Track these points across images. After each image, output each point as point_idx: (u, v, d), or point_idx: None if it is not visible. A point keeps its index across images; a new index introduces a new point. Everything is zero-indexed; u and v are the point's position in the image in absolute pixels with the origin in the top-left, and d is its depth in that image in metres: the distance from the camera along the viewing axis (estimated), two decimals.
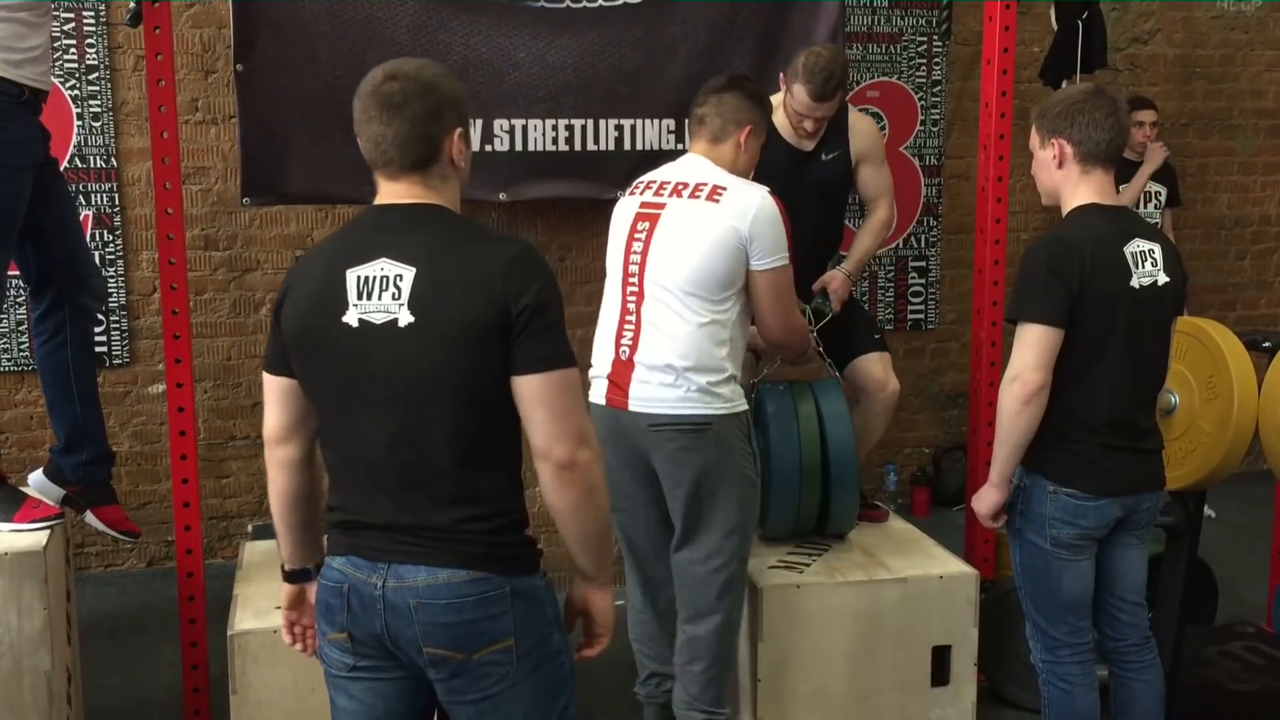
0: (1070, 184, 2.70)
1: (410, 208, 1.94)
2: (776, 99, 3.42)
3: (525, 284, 1.86)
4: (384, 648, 1.95)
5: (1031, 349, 2.61)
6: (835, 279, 3.65)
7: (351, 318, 1.90)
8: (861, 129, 3.65)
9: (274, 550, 3.44)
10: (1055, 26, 5.10)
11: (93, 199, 4.49)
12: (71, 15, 4.38)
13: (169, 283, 3.09)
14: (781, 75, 3.48)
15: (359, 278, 1.90)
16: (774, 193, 2.86)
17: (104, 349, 4.54)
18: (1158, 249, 2.70)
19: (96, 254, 4.49)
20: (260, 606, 3.03)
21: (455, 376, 1.88)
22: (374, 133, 1.92)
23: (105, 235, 4.52)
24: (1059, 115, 2.67)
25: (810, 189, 3.54)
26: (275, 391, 2.04)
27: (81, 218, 4.42)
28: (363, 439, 1.93)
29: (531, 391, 1.88)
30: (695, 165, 2.92)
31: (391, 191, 1.96)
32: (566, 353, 1.91)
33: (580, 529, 1.97)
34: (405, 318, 1.87)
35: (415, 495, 1.91)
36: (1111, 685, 2.91)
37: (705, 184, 2.86)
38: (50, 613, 2.81)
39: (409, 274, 1.88)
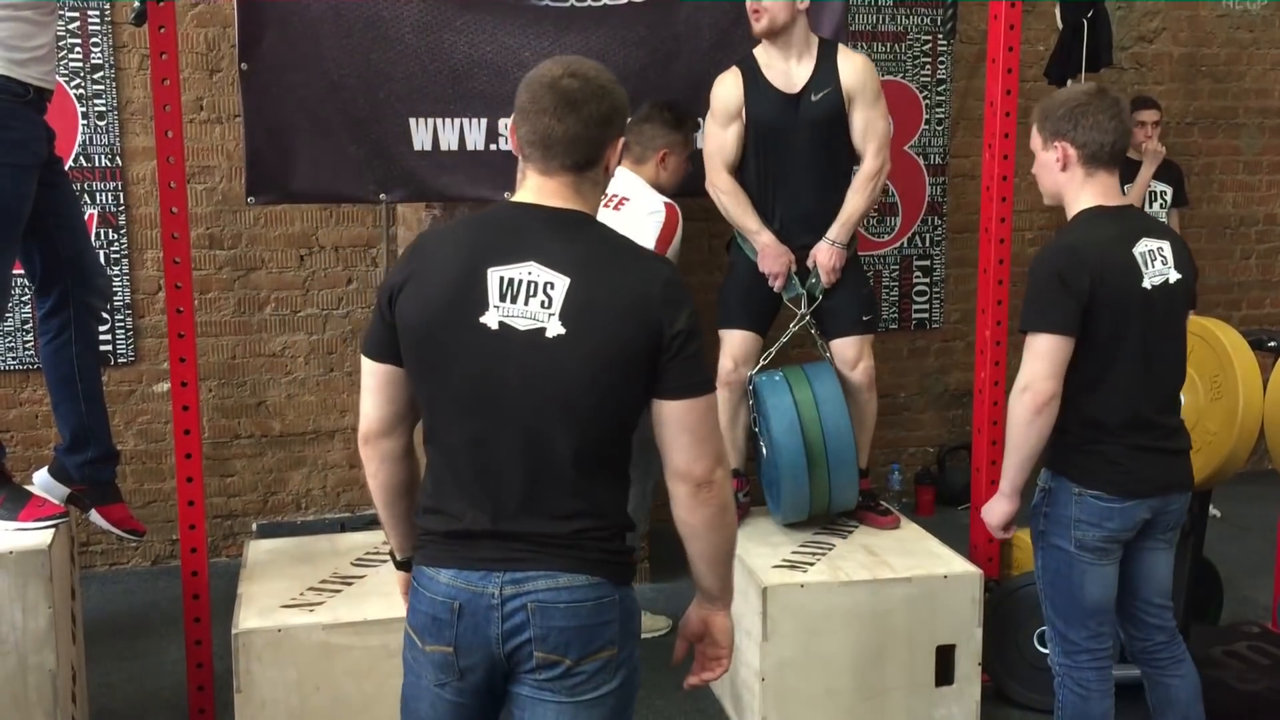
0: (1075, 186, 2.68)
1: (558, 212, 1.90)
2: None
3: (678, 309, 1.87)
4: (487, 660, 1.91)
5: (1042, 359, 2.60)
6: (821, 251, 3.57)
7: (491, 319, 1.85)
8: (852, 65, 3.55)
9: (278, 549, 3.48)
10: (1060, 25, 5.10)
11: (97, 198, 4.50)
12: (76, 14, 4.39)
13: (174, 281, 3.09)
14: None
15: (503, 278, 1.85)
16: (671, 204, 3.44)
17: (109, 348, 4.55)
18: (1167, 246, 2.69)
19: (101, 253, 4.49)
20: (265, 605, 3.03)
21: (599, 394, 1.86)
22: (544, 126, 1.87)
23: (110, 234, 4.53)
24: (1062, 118, 2.65)
25: (803, 132, 3.51)
26: (379, 379, 1.97)
27: (86, 217, 4.44)
28: (484, 445, 1.88)
29: (677, 415, 1.88)
30: (619, 177, 3.48)
31: (540, 188, 1.91)
32: (709, 378, 1.94)
33: (713, 547, 1.97)
34: (555, 329, 1.84)
35: (536, 505, 1.89)
36: (1146, 685, 2.90)
37: (615, 195, 3.62)
38: (55, 611, 2.82)
39: (561, 283, 1.84)
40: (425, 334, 1.88)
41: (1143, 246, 2.66)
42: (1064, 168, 2.67)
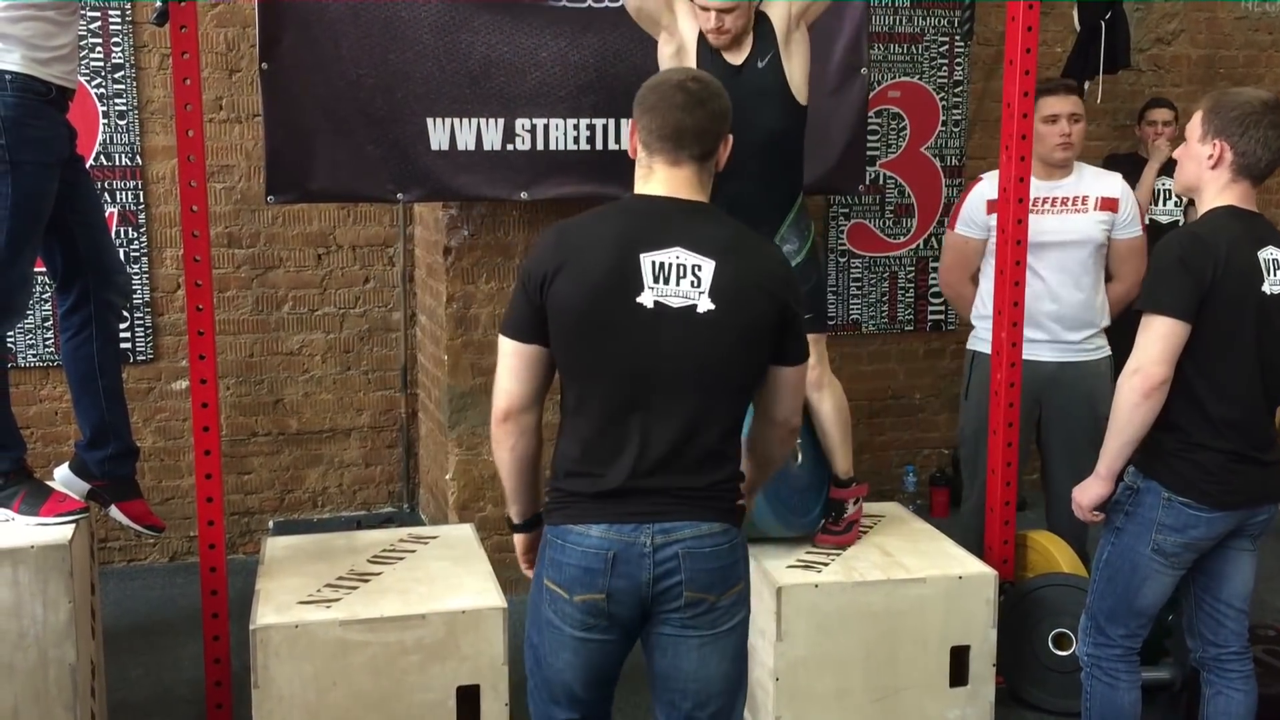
0: (1216, 186, 2.69)
1: (690, 204, 2.17)
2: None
3: (797, 289, 2.23)
4: (636, 604, 2.16)
5: (1157, 342, 2.60)
6: None
7: (647, 299, 2.10)
8: (777, 12, 3.31)
9: (295, 546, 3.50)
10: (1078, 27, 5.09)
11: (118, 196, 4.53)
12: (98, 14, 4.42)
13: (194, 279, 3.11)
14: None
15: (654, 263, 2.10)
16: None
17: (128, 345, 4.58)
18: None
19: (121, 251, 4.51)
20: (282, 601, 3.05)
21: (741, 361, 2.16)
22: (675, 119, 2.14)
23: (130, 232, 4.56)
24: (1233, 120, 2.65)
25: (756, 105, 3.19)
26: (523, 359, 2.18)
27: (106, 215, 4.47)
28: (637, 411, 2.12)
29: (790, 379, 2.24)
30: None
31: (669, 180, 2.17)
32: (808, 344, 2.29)
33: (777, 469, 2.47)
34: (705, 305, 2.10)
35: (683, 463, 2.15)
36: (1206, 694, 2.89)
37: None
38: (75, 606, 2.84)
39: (708, 265, 2.10)
40: (585, 313, 2.11)
41: (1267, 253, 2.67)
42: (1214, 166, 2.67)
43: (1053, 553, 3.72)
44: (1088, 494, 2.80)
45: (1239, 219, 2.68)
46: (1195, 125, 2.73)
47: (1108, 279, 3.91)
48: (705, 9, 3.17)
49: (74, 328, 3.10)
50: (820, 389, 3.40)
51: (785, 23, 3.29)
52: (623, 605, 2.16)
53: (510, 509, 2.36)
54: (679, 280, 2.10)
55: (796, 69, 3.29)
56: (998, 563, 3.55)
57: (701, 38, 3.24)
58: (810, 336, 3.36)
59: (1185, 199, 5.19)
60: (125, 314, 4.50)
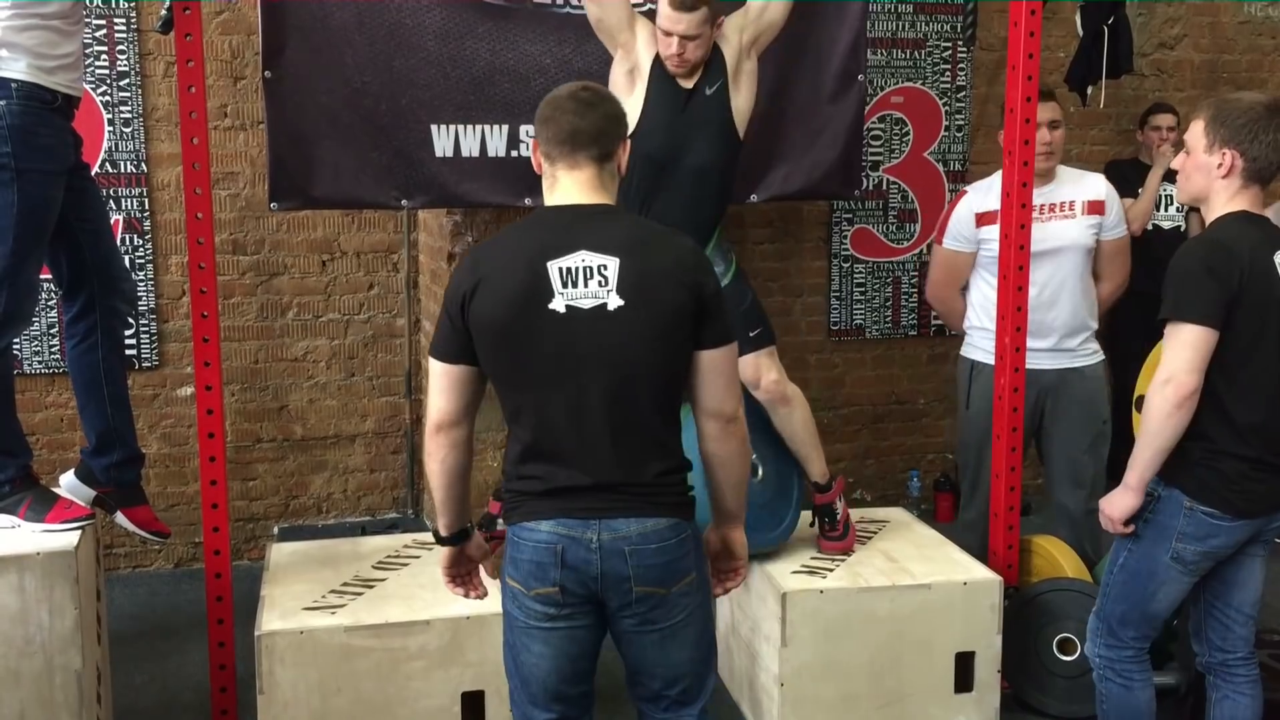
0: (1226, 194, 2.70)
1: (593, 207, 2.24)
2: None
3: (709, 274, 2.25)
4: (590, 596, 2.23)
5: (1188, 349, 2.59)
6: None
7: (558, 304, 2.16)
8: (729, 44, 3.35)
9: (300, 552, 3.51)
10: (1080, 31, 5.09)
11: (123, 204, 4.54)
12: (103, 22, 4.44)
13: (199, 287, 3.12)
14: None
15: (561, 268, 2.17)
16: None
17: (133, 352, 4.58)
18: None
19: (126, 258, 4.53)
20: (287, 608, 3.06)
21: (661, 351, 2.20)
22: (568, 123, 2.22)
23: (135, 240, 4.57)
24: (1241, 127, 2.65)
25: (698, 132, 3.27)
26: (450, 378, 2.26)
27: (112, 222, 4.48)
28: (570, 413, 2.19)
29: (714, 362, 2.24)
30: None
31: (572, 186, 2.24)
32: (733, 328, 2.29)
33: (737, 474, 2.35)
34: (614, 302, 2.17)
35: (622, 457, 2.21)
36: (1213, 699, 2.90)
37: None
38: (81, 612, 2.85)
39: (613, 263, 2.17)
40: (503, 327, 2.18)
41: None
42: (1225, 175, 2.68)
43: (1057, 557, 3.72)
44: (1118, 506, 2.75)
45: (1255, 224, 2.69)
46: (1198, 136, 2.72)
47: (1097, 279, 3.91)
48: (669, 34, 3.20)
49: (80, 334, 3.12)
50: (786, 402, 3.42)
51: (736, 55, 3.36)
52: (576, 596, 2.23)
53: (439, 520, 2.40)
54: (586, 282, 2.17)
55: (742, 101, 3.36)
56: (1002, 568, 3.55)
57: (656, 61, 3.30)
58: (763, 352, 3.39)
59: (1187, 204, 5.20)
60: (131, 320, 4.51)
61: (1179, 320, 2.61)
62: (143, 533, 3.27)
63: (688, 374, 2.25)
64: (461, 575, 2.47)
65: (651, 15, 3.40)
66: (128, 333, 4.53)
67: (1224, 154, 2.67)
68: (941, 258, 4.06)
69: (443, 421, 2.27)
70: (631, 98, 3.30)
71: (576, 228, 2.20)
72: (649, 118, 3.28)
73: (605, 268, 2.16)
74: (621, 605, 2.24)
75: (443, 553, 2.44)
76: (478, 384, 2.28)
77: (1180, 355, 2.59)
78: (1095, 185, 3.86)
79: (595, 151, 2.23)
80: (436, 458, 2.30)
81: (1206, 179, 2.71)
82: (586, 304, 2.16)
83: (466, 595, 2.50)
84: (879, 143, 5.22)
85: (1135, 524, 2.76)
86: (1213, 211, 2.73)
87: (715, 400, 2.27)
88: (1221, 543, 2.71)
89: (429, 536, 3.70)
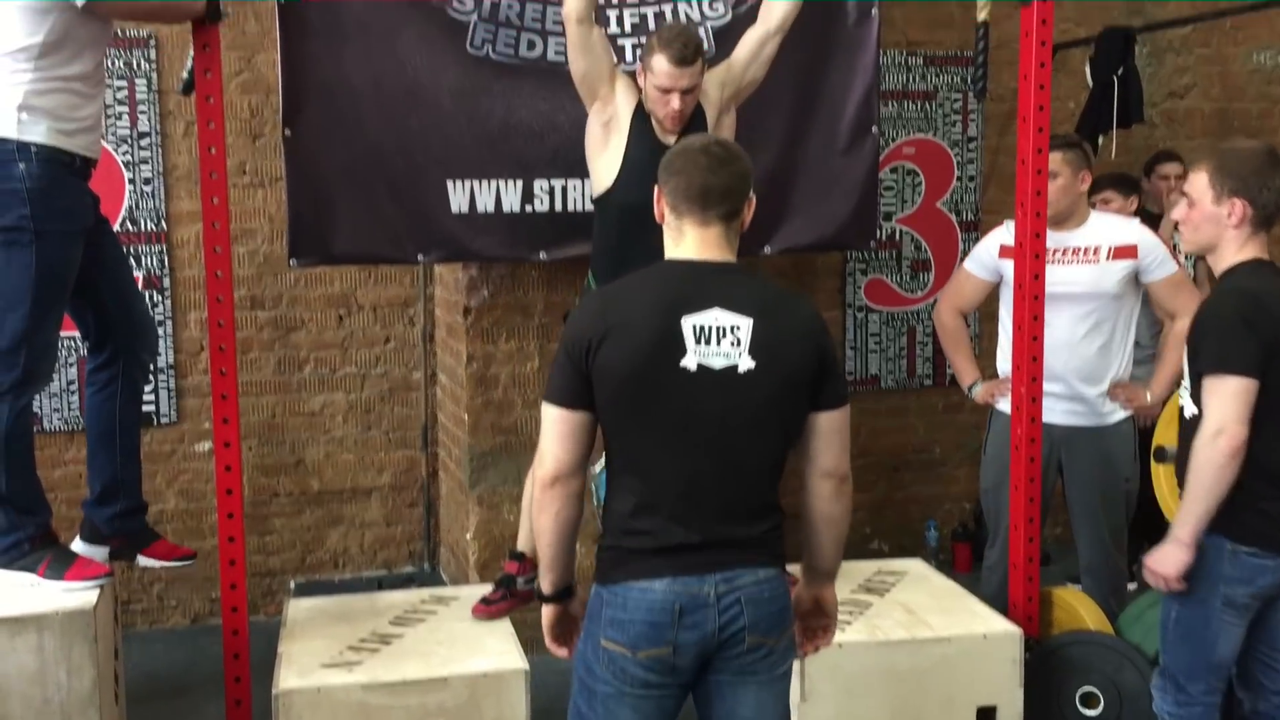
0: (1236, 242, 2.72)
1: (722, 265, 2.24)
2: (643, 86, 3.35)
3: (829, 337, 2.30)
4: (700, 655, 2.20)
5: (1235, 401, 2.60)
6: None
7: (690, 362, 2.16)
8: (709, 97, 3.41)
9: (317, 608, 3.50)
10: (1090, 82, 5.13)
11: (143, 261, 4.59)
12: (124, 83, 4.51)
13: (218, 344, 3.15)
14: (639, 67, 3.38)
15: (695, 325, 2.17)
16: None
17: (152, 407, 4.62)
18: None
19: None
20: (305, 665, 3.05)
21: (782, 414, 2.22)
22: (701, 180, 2.22)
23: (154, 296, 4.61)
24: (1248, 175, 2.67)
25: None
26: (569, 425, 2.21)
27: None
28: (689, 469, 2.19)
29: (831, 424, 2.26)
30: None
31: (700, 242, 2.24)
32: (847, 390, 2.32)
33: (843, 533, 2.35)
34: (746, 364, 2.18)
35: (736, 515, 2.21)
36: None
37: None
38: (99, 672, 2.85)
39: (746, 324, 2.18)
40: (631, 379, 2.16)
41: None
42: (1237, 225, 2.69)
43: (1078, 609, 3.69)
44: (1170, 563, 2.70)
45: (1271, 270, 2.71)
46: (1203, 187, 2.73)
47: (1169, 318, 3.84)
48: (668, 91, 3.25)
49: (101, 383, 3.14)
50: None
51: (716, 109, 3.43)
52: (687, 657, 2.20)
53: (543, 578, 2.34)
54: (719, 340, 2.17)
55: (743, 48, 3.43)
56: (1022, 620, 3.52)
57: (635, 113, 3.34)
58: None
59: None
60: (150, 374, 4.55)
61: (1223, 373, 2.61)
62: (170, 563, 3.27)
63: (803, 434, 2.26)
64: (565, 634, 2.39)
65: (630, 73, 3.47)
66: (147, 388, 4.58)
67: (1233, 203, 2.68)
68: (956, 274, 4.14)
69: (560, 472, 2.21)
70: (609, 149, 3.35)
71: (709, 284, 2.20)
72: (629, 169, 3.30)
73: (738, 328, 2.17)
74: (728, 658, 2.21)
75: (546, 611, 2.37)
76: (593, 433, 2.23)
77: (1229, 407, 2.60)
78: (1125, 230, 3.82)
79: (725, 209, 2.24)
80: (549, 511, 2.23)
81: (1216, 229, 2.72)
82: (718, 363, 2.17)
83: (569, 656, 2.39)
84: (891, 193, 5.26)
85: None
86: (1223, 260, 2.74)
87: (831, 460, 2.27)
88: (1269, 581, 2.69)
89: (446, 591, 3.69)
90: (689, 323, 2.16)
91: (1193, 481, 2.67)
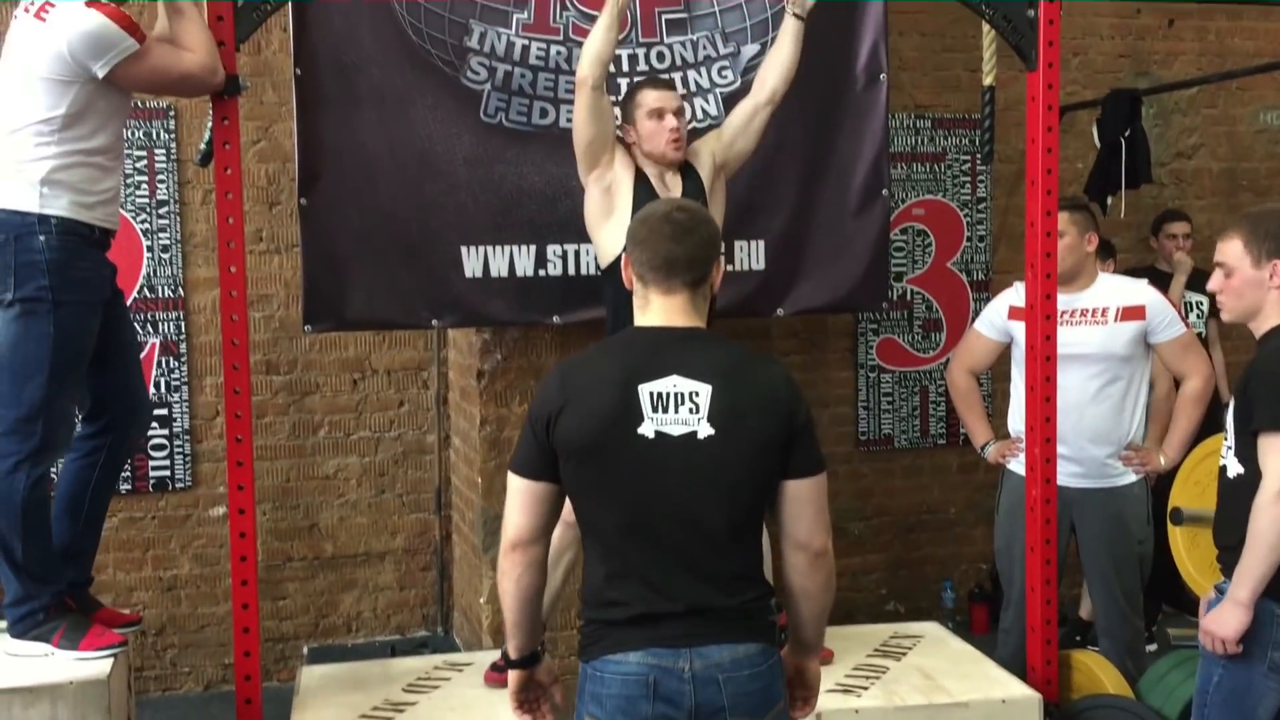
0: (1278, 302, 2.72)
1: (686, 330, 2.22)
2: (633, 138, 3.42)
3: (800, 402, 2.22)
4: None
5: None
6: None
7: (648, 429, 2.14)
8: (703, 165, 3.48)
9: (330, 676, 3.48)
10: (1098, 144, 5.17)
11: (160, 327, 4.63)
12: (144, 153, 4.58)
13: (234, 411, 3.17)
14: (624, 130, 3.45)
15: (652, 393, 2.15)
16: None
17: (166, 473, 4.64)
18: None
19: (162, 380, 4.62)
20: None
21: (750, 482, 2.17)
22: (665, 250, 2.21)
23: (171, 361, 4.65)
24: None
25: None
26: (531, 495, 2.21)
27: (149, 346, 4.58)
28: (658, 539, 2.15)
29: (803, 493, 2.20)
30: None
31: (665, 309, 2.23)
32: (824, 458, 2.25)
33: (821, 606, 2.29)
34: (705, 430, 2.14)
35: (712, 583, 2.16)
36: None
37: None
38: None
39: (705, 390, 2.15)
40: (590, 449, 2.15)
41: None
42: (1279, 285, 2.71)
43: (1097, 673, 3.64)
44: (1230, 624, 2.65)
45: None
46: (1239, 254, 2.74)
47: (1178, 382, 3.85)
48: (663, 113, 3.35)
49: (85, 451, 3.13)
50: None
51: (710, 173, 3.48)
52: None
53: (510, 643, 2.33)
54: (677, 408, 2.14)
55: (717, 216, 3.43)
56: (1041, 684, 3.48)
57: (637, 176, 3.38)
58: None
59: (1207, 310, 5.19)
60: (165, 443, 4.57)
61: (1278, 431, 2.59)
62: (120, 631, 3.16)
63: (774, 504, 2.22)
64: (530, 701, 2.37)
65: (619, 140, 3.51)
66: (161, 454, 4.61)
67: (1274, 265, 2.70)
68: (967, 335, 4.18)
69: (519, 539, 2.21)
70: (615, 216, 3.37)
71: (668, 351, 2.18)
72: None
73: (697, 394, 2.14)
74: None
75: (512, 676, 2.36)
76: (557, 502, 2.23)
77: None
78: (1133, 291, 3.83)
79: (690, 278, 2.22)
80: (511, 577, 2.23)
81: (1258, 293, 2.73)
82: (676, 431, 2.14)
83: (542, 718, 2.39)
84: (902, 254, 5.29)
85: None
86: (1267, 321, 2.74)
87: (804, 532, 2.21)
88: None
89: (459, 657, 3.67)
90: (646, 390, 2.14)
91: (1254, 542, 2.61)
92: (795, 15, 3.51)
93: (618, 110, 3.54)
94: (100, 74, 2.85)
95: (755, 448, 2.15)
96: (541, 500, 2.21)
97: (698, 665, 2.13)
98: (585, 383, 2.19)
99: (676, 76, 4.00)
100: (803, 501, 2.20)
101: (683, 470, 2.14)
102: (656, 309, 2.24)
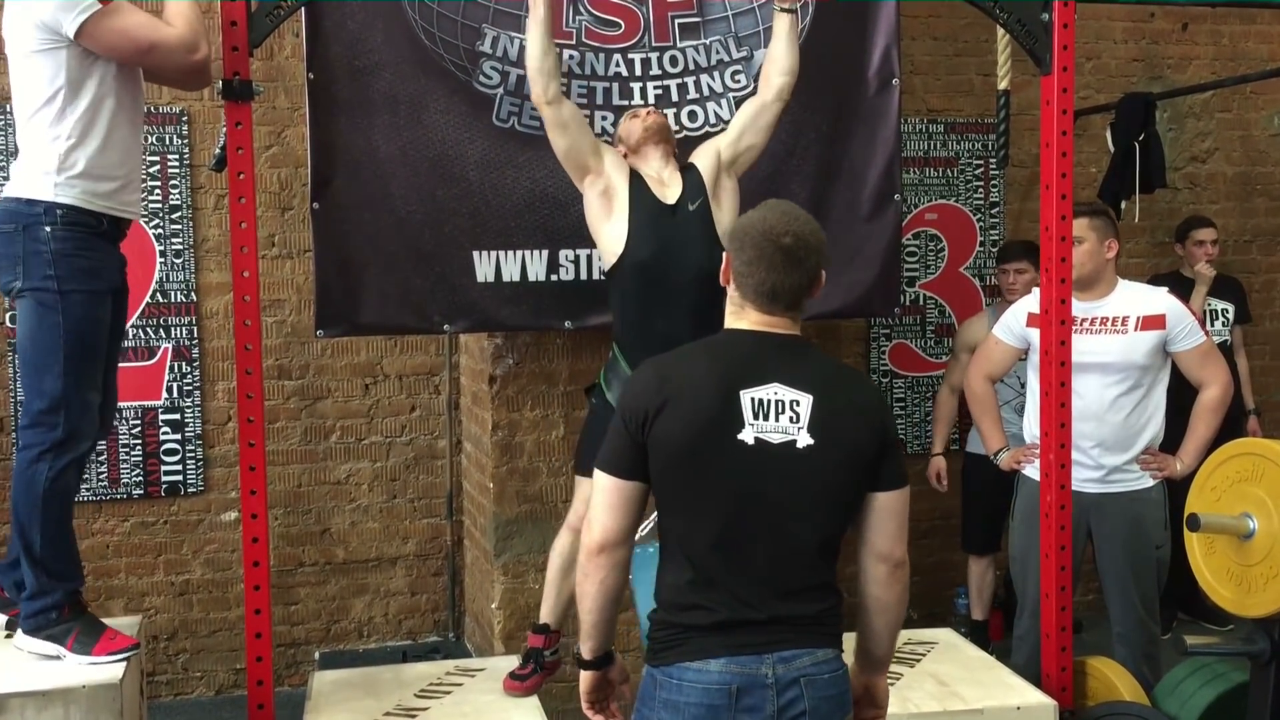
0: None
1: (786, 339, 2.23)
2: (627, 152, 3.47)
3: (890, 416, 2.27)
4: None
5: None
6: None
7: (748, 436, 2.14)
8: (704, 163, 3.46)
9: (341, 681, 3.48)
10: (1111, 148, 5.15)
11: (172, 332, 4.64)
12: (157, 158, 4.59)
13: (246, 415, 3.16)
14: (621, 152, 3.47)
15: (754, 399, 2.15)
16: None
17: (179, 477, 4.65)
18: None
19: (175, 385, 4.63)
20: None
21: (842, 493, 2.19)
22: (772, 280, 2.19)
23: (183, 366, 4.66)
24: None
25: (689, 243, 3.31)
26: (620, 495, 2.19)
27: (161, 351, 4.58)
28: (742, 544, 2.15)
29: (890, 504, 2.22)
30: None
31: (765, 321, 2.23)
32: (907, 471, 2.27)
33: (898, 619, 2.31)
34: (804, 440, 2.15)
35: (792, 593, 2.17)
36: None
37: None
38: None
39: (806, 400, 2.16)
40: (688, 451, 2.14)
41: None
42: None
43: (1112, 680, 3.62)
44: None
45: None
46: None
47: (1199, 389, 3.81)
48: (636, 113, 3.48)
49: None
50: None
51: (713, 173, 3.46)
52: None
53: (584, 644, 2.31)
54: (778, 416, 2.14)
55: (725, 216, 3.41)
56: (1056, 691, 3.46)
57: (633, 178, 3.38)
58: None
59: (1232, 319, 5.17)
60: (177, 448, 4.58)
61: None
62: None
63: (859, 515, 2.23)
64: (601, 701, 2.36)
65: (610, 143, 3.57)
66: (173, 459, 4.61)
67: None
68: (987, 343, 4.12)
69: (607, 541, 2.19)
70: (614, 217, 3.37)
71: (770, 358, 2.19)
72: (638, 230, 3.32)
73: (798, 403, 2.15)
74: None
75: (584, 677, 2.34)
76: (644, 502, 2.21)
77: None
78: (1155, 300, 3.80)
79: (791, 301, 2.22)
80: (595, 579, 2.21)
81: None
82: (776, 439, 2.14)
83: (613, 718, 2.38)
84: (914, 259, 5.27)
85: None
86: None
87: (886, 543, 2.23)
88: None
89: (471, 663, 3.67)
90: (748, 396, 2.14)
91: None
92: (782, 9, 3.50)
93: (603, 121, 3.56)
94: (69, 31, 2.80)
95: (850, 459, 2.17)
96: (632, 500, 2.19)
97: (780, 670, 2.13)
98: (685, 383, 2.16)
99: (689, 81, 3.99)
100: (889, 513, 2.22)
101: (779, 478, 2.14)
102: (755, 319, 2.24)
